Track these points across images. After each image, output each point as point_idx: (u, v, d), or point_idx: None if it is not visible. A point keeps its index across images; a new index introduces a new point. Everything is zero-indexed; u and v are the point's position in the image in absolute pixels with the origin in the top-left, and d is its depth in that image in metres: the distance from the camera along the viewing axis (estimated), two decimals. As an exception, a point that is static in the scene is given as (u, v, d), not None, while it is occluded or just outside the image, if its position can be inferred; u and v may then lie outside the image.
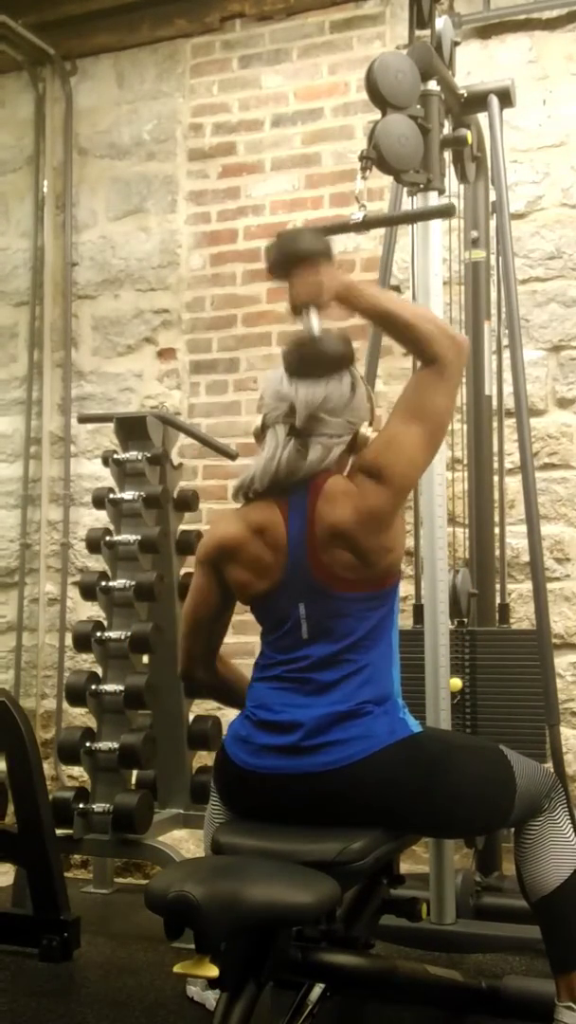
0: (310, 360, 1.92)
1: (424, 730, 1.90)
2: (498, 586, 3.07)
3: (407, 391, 1.91)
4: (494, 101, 2.82)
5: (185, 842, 3.44)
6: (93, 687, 2.99)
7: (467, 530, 3.07)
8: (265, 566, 1.92)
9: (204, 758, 3.37)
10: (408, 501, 3.09)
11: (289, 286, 1.90)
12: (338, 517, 1.86)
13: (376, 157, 2.32)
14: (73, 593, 3.98)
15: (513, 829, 2.04)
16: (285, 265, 1.89)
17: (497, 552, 3.07)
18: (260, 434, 1.97)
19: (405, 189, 2.72)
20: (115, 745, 2.90)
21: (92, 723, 3.09)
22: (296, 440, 1.91)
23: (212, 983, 1.66)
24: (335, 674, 1.87)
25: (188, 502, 3.29)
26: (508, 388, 2.94)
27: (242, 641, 2.13)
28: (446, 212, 2.37)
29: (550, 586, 3.24)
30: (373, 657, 1.88)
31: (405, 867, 2.89)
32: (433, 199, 2.54)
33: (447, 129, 2.72)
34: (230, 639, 2.14)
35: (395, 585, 1.93)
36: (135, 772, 3.11)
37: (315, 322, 1.90)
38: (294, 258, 1.87)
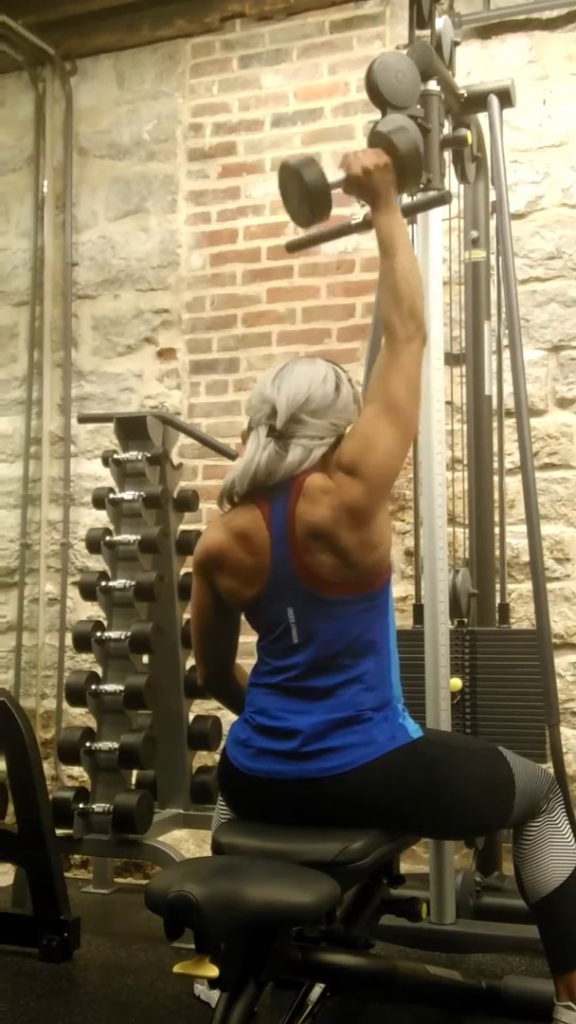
0: (290, 171, 2.08)
1: (424, 734, 1.90)
2: (498, 586, 3.07)
3: (372, 379, 1.92)
4: (494, 101, 2.82)
5: (185, 842, 3.44)
6: (93, 687, 2.99)
7: (467, 530, 3.07)
8: (250, 572, 1.91)
9: (204, 758, 3.38)
10: (408, 501, 3.11)
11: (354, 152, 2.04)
12: (317, 515, 1.84)
13: (376, 157, 2.32)
14: (73, 593, 3.98)
15: (512, 830, 2.04)
16: (374, 141, 2.07)
17: (497, 552, 3.07)
18: (246, 435, 1.96)
19: (405, 189, 2.72)
20: (115, 745, 2.90)
21: (92, 723, 3.09)
22: (276, 442, 1.90)
23: (212, 983, 1.67)
24: (330, 680, 1.86)
25: (188, 502, 3.29)
26: (508, 388, 2.94)
27: (242, 641, 2.12)
28: (442, 200, 2.37)
29: (550, 586, 3.24)
30: (368, 661, 1.87)
31: (405, 867, 2.88)
32: (431, 194, 2.53)
33: (447, 129, 2.72)
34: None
35: (385, 586, 1.91)
36: (135, 772, 3.11)
37: (336, 177, 2.05)
38: (379, 140, 2.05)
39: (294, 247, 2.53)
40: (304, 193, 2.07)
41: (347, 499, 1.83)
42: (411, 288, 1.91)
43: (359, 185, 2.01)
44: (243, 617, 2.05)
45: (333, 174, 2.07)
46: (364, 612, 1.88)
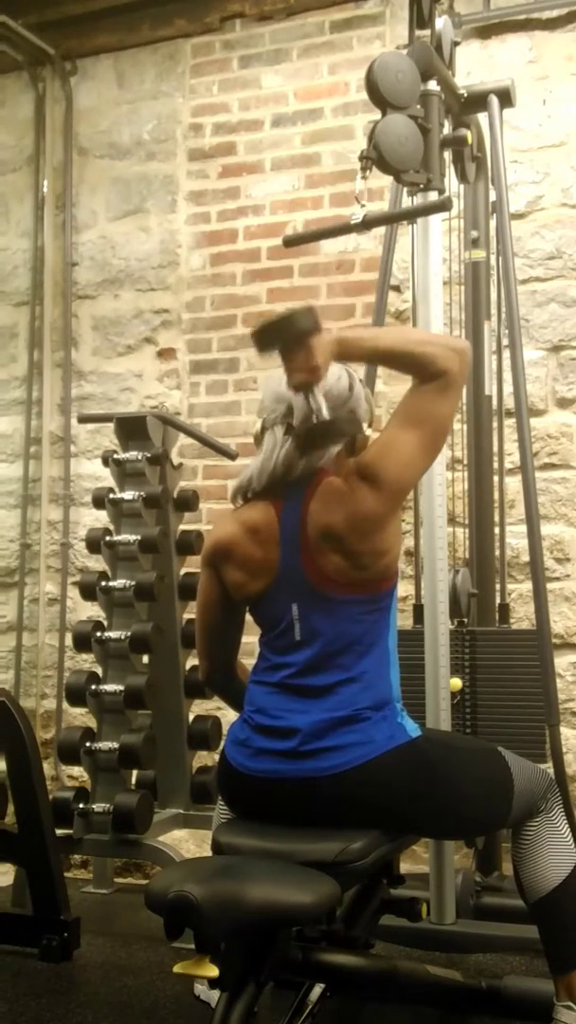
0: (322, 435, 1.90)
1: (423, 734, 1.90)
2: (498, 586, 3.07)
3: (409, 396, 1.90)
4: (494, 101, 2.82)
5: (185, 842, 3.44)
6: (93, 687, 2.99)
7: (467, 530, 3.07)
8: (258, 566, 1.92)
9: (204, 758, 3.38)
10: (408, 501, 3.10)
11: (285, 369, 1.84)
12: (330, 518, 1.85)
13: (376, 157, 2.32)
14: (73, 593, 3.98)
15: (511, 830, 2.04)
16: (274, 349, 1.83)
17: (497, 552, 3.07)
18: (259, 437, 1.97)
19: (405, 189, 2.72)
20: (115, 745, 2.90)
21: (92, 723, 3.09)
22: (294, 439, 1.91)
23: (212, 983, 1.67)
24: (329, 678, 1.86)
25: (188, 502, 3.29)
26: (508, 388, 2.94)
27: (244, 640, 2.13)
28: (444, 206, 2.36)
29: (550, 586, 3.24)
30: (369, 662, 1.87)
31: (405, 867, 2.88)
32: (433, 199, 2.53)
33: (447, 129, 2.72)
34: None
35: (391, 590, 1.92)
36: (135, 772, 3.11)
37: (322, 402, 1.85)
38: (283, 344, 1.81)
39: (292, 242, 2.53)
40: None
41: (363, 507, 1.84)
42: (427, 344, 1.89)
43: (336, 357, 1.87)
44: (247, 615, 2.06)
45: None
46: (367, 614, 1.88)
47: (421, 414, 1.87)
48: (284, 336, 1.80)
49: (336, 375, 1.94)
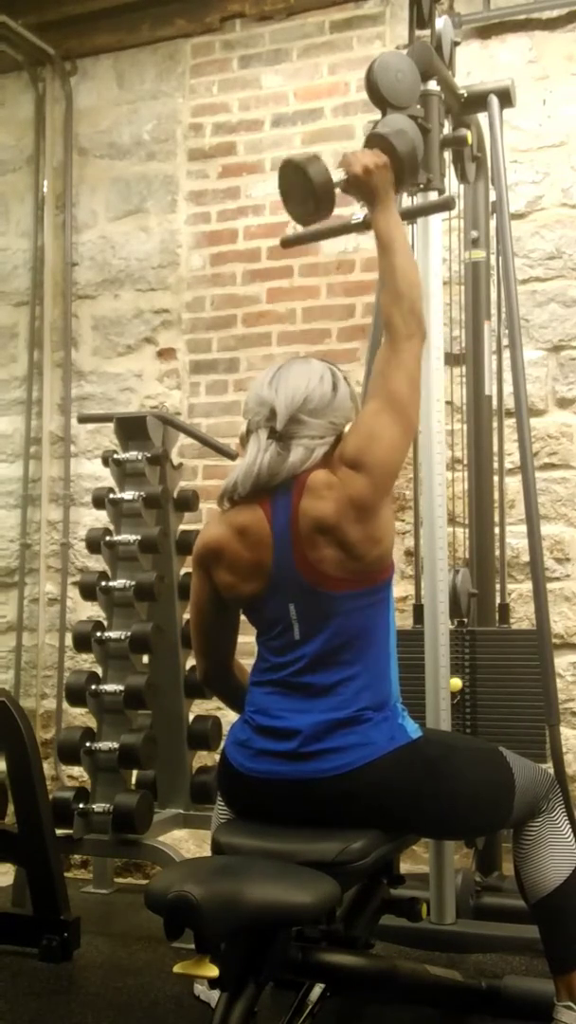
0: (294, 168, 2.11)
1: (423, 734, 1.90)
2: (498, 586, 3.07)
3: (372, 376, 1.94)
4: (494, 101, 2.82)
5: (185, 842, 3.44)
6: (93, 687, 2.99)
7: (467, 530, 3.07)
8: (249, 567, 1.91)
9: (204, 758, 3.38)
10: (408, 501, 3.11)
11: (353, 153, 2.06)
12: (322, 510, 1.85)
13: (376, 157, 2.32)
14: (73, 593, 3.99)
15: (512, 830, 2.04)
16: (374, 142, 2.09)
17: (497, 552, 3.07)
18: (245, 439, 1.97)
19: (405, 189, 2.72)
20: (115, 745, 2.90)
21: (92, 723, 3.09)
22: (277, 443, 1.90)
23: (212, 983, 1.67)
24: (330, 677, 1.86)
25: (188, 502, 3.29)
26: (508, 388, 2.94)
27: (242, 641, 2.12)
28: (447, 205, 2.37)
29: (550, 586, 3.24)
30: (368, 659, 1.87)
31: (405, 867, 2.89)
32: (435, 198, 2.54)
33: (447, 129, 2.72)
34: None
35: (387, 581, 1.91)
36: (135, 772, 3.11)
37: (336, 173, 2.07)
38: (378, 141, 2.07)
39: (289, 243, 2.53)
40: (308, 190, 2.10)
41: (352, 492, 1.84)
42: (410, 286, 1.94)
43: (359, 184, 2.03)
44: (241, 615, 2.06)
45: (334, 173, 2.09)
46: (366, 607, 1.88)
47: (385, 393, 1.89)
48: (386, 137, 2.08)
49: (319, 375, 1.94)
